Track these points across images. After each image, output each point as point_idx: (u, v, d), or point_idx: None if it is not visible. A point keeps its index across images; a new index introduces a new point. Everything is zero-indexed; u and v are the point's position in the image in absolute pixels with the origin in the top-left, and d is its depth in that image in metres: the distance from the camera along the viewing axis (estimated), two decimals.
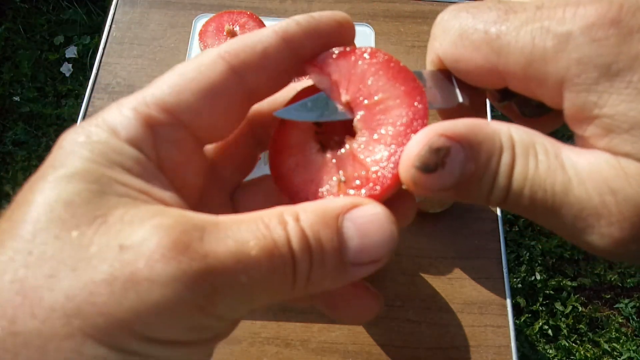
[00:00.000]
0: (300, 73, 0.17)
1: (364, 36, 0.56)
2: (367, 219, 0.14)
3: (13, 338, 0.11)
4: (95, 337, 0.11)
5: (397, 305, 0.46)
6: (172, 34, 0.58)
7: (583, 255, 1.23)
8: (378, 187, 0.15)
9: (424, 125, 0.16)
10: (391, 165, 0.15)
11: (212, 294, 0.12)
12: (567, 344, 1.12)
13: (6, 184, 1.26)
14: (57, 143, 0.14)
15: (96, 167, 0.13)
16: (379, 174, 0.15)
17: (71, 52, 1.43)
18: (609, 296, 1.19)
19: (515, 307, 1.16)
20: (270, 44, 0.16)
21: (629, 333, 1.15)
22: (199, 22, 0.56)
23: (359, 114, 0.16)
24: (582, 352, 1.11)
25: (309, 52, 0.17)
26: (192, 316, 0.12)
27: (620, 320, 1.16)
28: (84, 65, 1.41)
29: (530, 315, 1.16)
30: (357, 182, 0.15)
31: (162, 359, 0.12)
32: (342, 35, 0.18)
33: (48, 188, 0.13)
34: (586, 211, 0.14)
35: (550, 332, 1.13)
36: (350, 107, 0.17)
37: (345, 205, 0.14)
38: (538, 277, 1.19)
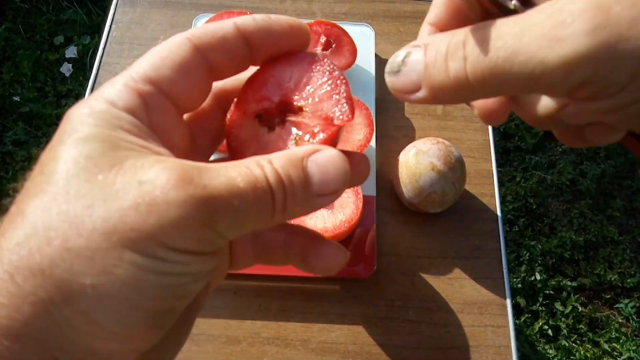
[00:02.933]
0: (255, 62, 0.21)
1: (364, 36, 0.56)
2: (325, 159, 0.18)
3: (68, 252, 0.14)
4: (130, 247, 0.15)
5: (397, 305, 0.46)
6: (172, 34, 0.58)
7: (583, 256, 1.23)
8: (324, 134, 0.20)
9: (344, 80, 0.20)
10: (327, 114, 0.20)
11: (213, 213, 0.15)
12: (567, 344, 1.12)
13: (6, 184, 1.26)
14: (64, 117, 0.17)
15: (103, 130, 0.17)
16: (321, 124, 0.20)
17: (71, 52, 1.42)
18: (609, 296, 1.19)
19: (515, 307, 1.16)
20: (228, 32, 0.19)
21: (629, 333, 1.14)
22: (199, 22, 0.56)
23: (295, 99, 0.21)
24: (582, 352, 1.11)
25: (262, 45, 0.20)
26: (199, 230, 0.15)
27: (620, 320, 1.16)
28: (84, 65, 1.41)
29: (530, 315, 1.16)
30: (307, 136, 0.20)
31: (181, 263, 0.16)
32: (294, 39, 0.21)
33: (69, 148, 0.16)
34: (546, 28, 0.15)
35: (550, 332, 1.13)
36: (284, 103, 0.21)
37: (308, 151, 0.18)
38: (538, 277, 1.19)
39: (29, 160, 1.29)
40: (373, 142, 0.51)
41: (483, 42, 0.16)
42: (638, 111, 0.15)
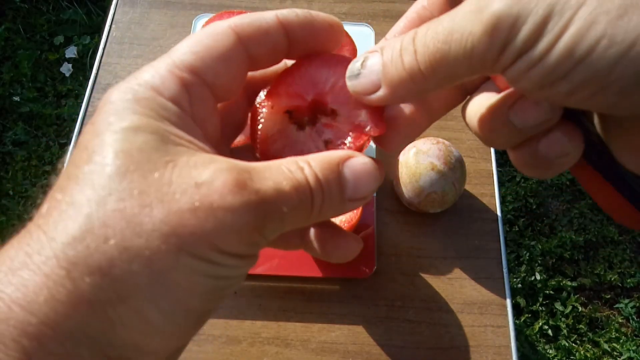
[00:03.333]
0: (292, 56, 0.21)
1: (364, 36, 0.56)
2: (360, 167, 0.19)
3: (126, 252, 0.14)
4: (187, 251, 0.15)
5: (397, 305, 0.46)
6: (172, 34, 0.58)
7: (583, 255, 1.23)
8: (356, 142, 0.20)
9: None
10: (361, 123, 0.20)
11: (264, 218, 0.16)
12: (567, 344, 1.12)
13: (6, 184, 1.26)
14: (104, 98, 0.17)
15: (152, 121, 0.16)
16: (354, 132, 0.20)
17: (71, 52, 1.42)
18: (609, 296, 1.19)
19: (515, 307, 1.16)
20: (271, 24, 0.19)
21: (629, 333, 1.14)
22: (199, 22, 0.56)
23: (330, 101, 0.21)
24: (582, 352, 1.11)
25: (302, 40, 0.20)
26: (252, 234, 0.16)
27: (620, 320, 1.16)
28: (84, 65, 1.41)
29: (530, 315, 1.16)
30: (339, 141, 0.20)
31: (231, 267, 0.16)
32: (332, 37, 0.21)
33: (119, 137, 0.16)
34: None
35: (550, 332, 1.13)
36: (317, 103, 0.21)
37: (343, 156, 0.19)
38: (538, 277, 1.19)
39: (29, 160, 1.29)
40: (373, 142, 0.51)
41: (427, 32, 0.17)
42: (560, 60, 0.15)
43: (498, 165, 0.54)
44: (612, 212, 0.20)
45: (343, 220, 0.42)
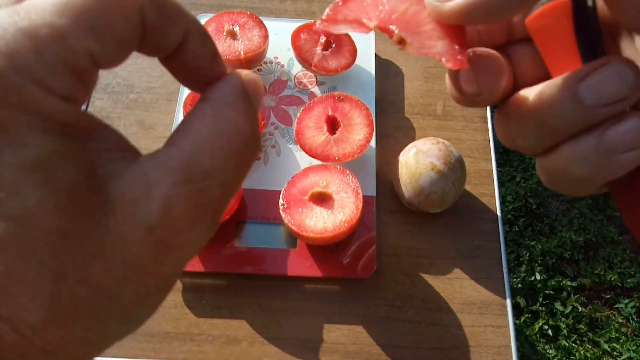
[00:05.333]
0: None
1: (364, 36, 0.56)
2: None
3: None
4: None
5: (397, 305, 0.46)
6: None
7: (583, 255, 1.23)
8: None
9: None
10: (437, 54, 0.17)
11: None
12: (567, 344, 1.12)
13: None
14: None
15: (58, 138, 0.12)
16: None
17: None
18: (609, 296, 1.19)
19: (515, 307, 1.16)
20: None
21: (629, 333, 1.14)
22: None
23: (395, 28, 0.18)
24: (582, 352, 1.11)
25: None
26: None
27: (620, 320, 1.16)
28: None
29: (530, 315, 1.16)
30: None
31: None
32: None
33: (38, 183, 0.12)
34: None
35: (550, 332, 1.13)
36: (382, 28, 0.18)
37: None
38: (538, 277, 1.19)
39: None
40: (373, 142, 0.51)
41: None
42: None
43: (498, 165, 0.54)
44: None
45: (343, 220, 0.42)
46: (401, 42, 0.18)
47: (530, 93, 0.17)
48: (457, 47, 0.17)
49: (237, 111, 0.15)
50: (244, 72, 0.16)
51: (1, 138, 0.11)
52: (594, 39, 0.16)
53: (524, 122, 0.18)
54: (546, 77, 0.18)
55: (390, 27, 0.18)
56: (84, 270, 0.12)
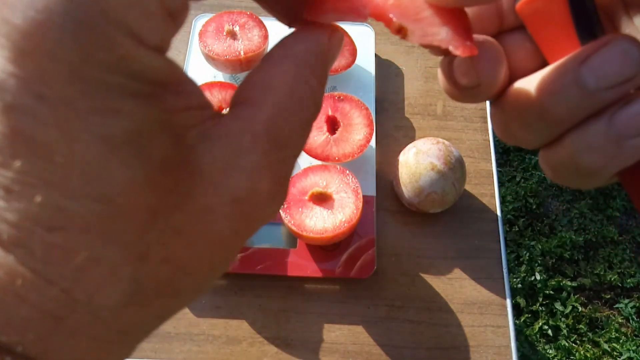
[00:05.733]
0: None
1: (364, 36, 0.56)
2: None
3: None
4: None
5: (397, 305, 0.46)
6: None
7: (583, 255, 1.23)
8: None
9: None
10: (442, 42, 0.16)
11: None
12: (567, 344, 1.12)
13: None
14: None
15: (148, 103, 0.11)
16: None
17: None
18: (608, 296, 1.19)
19: (515, 307, 1.16)
20: None
21: (628, 333, 1.14)
22: (199, 22, 0.56)
23: (393, 15, 0.16)
24: (582, 352, 1.11)
25: None
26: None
27: (620, 321, 1.16)
28: None
29: (530, 315, 1.16)
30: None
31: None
32: None
33: (125, 160, 0.10)
34: None
35: (550, 332, 1.13)
36: (379, 15, 0.16)
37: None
38: (538, 277, 1.19)
39: None
40: (373, 142, 0.51)
41: None
42: None
43: (498, 165, 0.54)
44: None
45: (343, 220, 0.42)
46: (401, 30, 0.16)
47: (528, 83, 0.16)
48: (463, 32, 0.15)
49: (316, 77, 0.14)
50: (331, 30, 0.15)
51: (88, 105, 0.09)
52: (591, 18, 0.15)
53: (524, 114, 0.16)
54: (543, 65, 0.17)
55: (389, 15, 0.16)
56: (168, 249, 0.11)
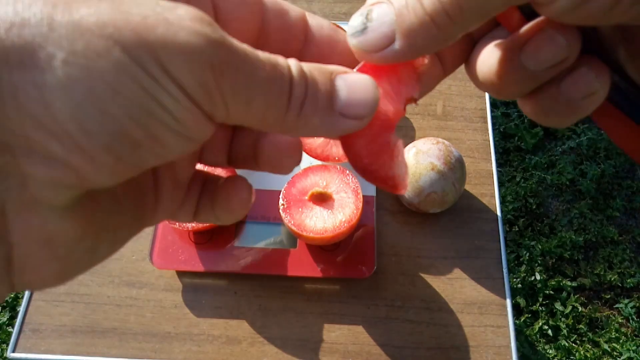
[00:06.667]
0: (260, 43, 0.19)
1: None
2: (356, 80, 0.16)
3: (48, 16, 0.12)
4: (122, 45, 0.12)
5: (397, 305, 0.46)
6: None
7: (583, 256, 1.23)
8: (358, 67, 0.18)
9: None
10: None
11: (223, 62, 0.13)
12: (567, 344, 1.12)
13: None
14: None
15: None
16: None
17: None
18: (608, 296, 1.19)
19: (515, 307, 1.16)
20: None
21: (628, 333, 1.15)
22: None
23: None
24: (582, 352, 1.11)
25: (273, 27, 0.19)
26: (202, 69, 0.13)
27: (620, 321, 1.16)
28: None
29: (530, 315, 1.16)
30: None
31: (169, 94, 0.13)
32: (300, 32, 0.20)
33: None
34: None
35: (550, 332, 1.13)
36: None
37: (338, 68, 0.16)
38: (538, 277, 1.19)
39: None
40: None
41: None
42: None
43: (498, 165, 0.54)
44: (634, 153, 0.19)
45: (343, 220, 0.42)
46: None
47: (482, 63, 0.19)
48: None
49: None
50: (358, 76, 0.17)
51: None
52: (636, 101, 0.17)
53: (484, 87, 0.19)
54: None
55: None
56: None
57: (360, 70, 0.18)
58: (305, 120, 0.15)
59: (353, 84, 0.16)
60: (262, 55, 0.14)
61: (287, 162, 0.19)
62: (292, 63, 0.15)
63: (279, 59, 0.15)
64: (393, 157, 0.19)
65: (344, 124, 0.16)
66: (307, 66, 0.16)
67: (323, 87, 0.16)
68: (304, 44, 0.19)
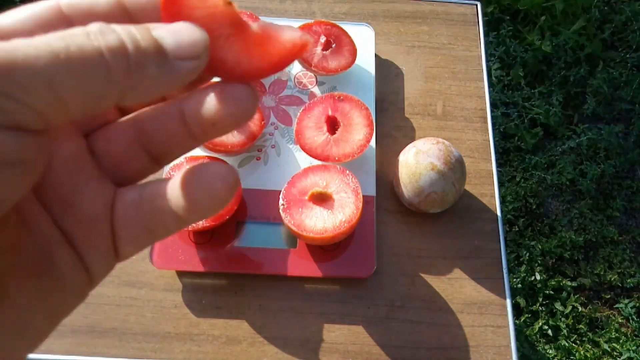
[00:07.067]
0: None
1: (364, 36, 0.56)
2: (175, 26, 0.16)
3: None
4: None
5: (397, 305, 0.46)
6: None
7: (583, 256, 1.23)
8: None
9: None
10: None
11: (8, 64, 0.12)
12: (567, 344, 1.12)
13: None
14: None
15: None
16: None
17: None
18: (608, 296, 1.19)
19: (515, 307, 1.16)
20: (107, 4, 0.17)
21: (628, 333, 1.14)
22: None
23: None
24: (582, 352, 1.11)
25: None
26: None
27: (620, 321, 1.16)
28: None
29: (530, 315, 1.16)
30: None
31: None
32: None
33: None
34: None
35: (550, 332, 1.13)
36: None
37: (153, 24, 0.16)
38: (538, 277, 1.19)
39: None
40: (373, 142, 0.51)
41: None
42: None
43: (498, 165, 0.54)
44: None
45: (343, 220, 0.42)
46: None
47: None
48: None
49: None
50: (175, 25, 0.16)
51: None
52: None
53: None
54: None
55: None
56: None
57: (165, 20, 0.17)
58: (144, 77, 0.15)
59: (174, 28, 0.16)
60: (45, 39, 0.13)
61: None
62: (95, 28, 0.14)
63: (75, 31, 0.14)
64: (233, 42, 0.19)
65: (183, 66, 0.15)
66: (119, 27, 0.15)
67: (144, 40, 0.15)
68: None
